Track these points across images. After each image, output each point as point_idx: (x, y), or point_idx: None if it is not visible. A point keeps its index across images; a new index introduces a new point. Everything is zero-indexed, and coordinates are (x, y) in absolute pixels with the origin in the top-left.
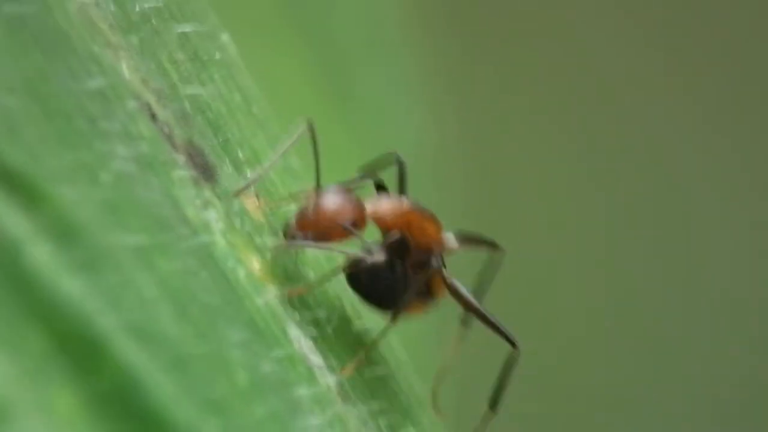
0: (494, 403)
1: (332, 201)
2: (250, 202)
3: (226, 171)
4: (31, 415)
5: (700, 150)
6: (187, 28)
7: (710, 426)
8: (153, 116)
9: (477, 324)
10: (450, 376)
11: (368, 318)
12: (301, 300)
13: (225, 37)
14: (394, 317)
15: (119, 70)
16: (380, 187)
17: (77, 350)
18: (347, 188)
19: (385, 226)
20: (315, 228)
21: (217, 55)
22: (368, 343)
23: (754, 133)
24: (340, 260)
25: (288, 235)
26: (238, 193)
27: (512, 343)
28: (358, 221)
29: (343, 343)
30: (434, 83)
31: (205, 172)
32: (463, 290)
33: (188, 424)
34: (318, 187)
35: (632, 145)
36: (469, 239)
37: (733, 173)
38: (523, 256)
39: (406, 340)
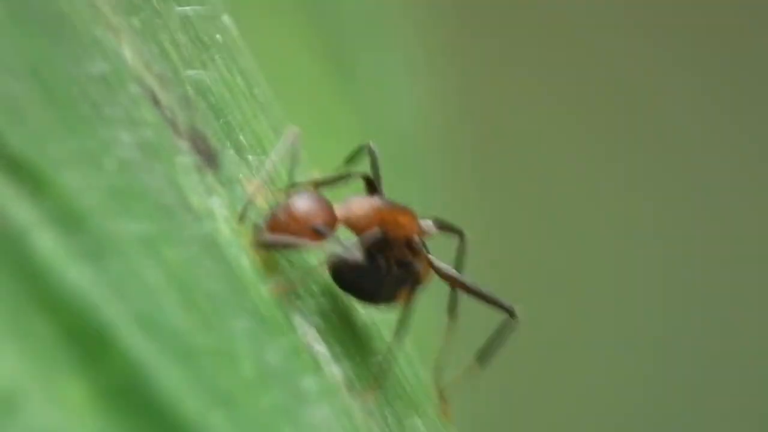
0: (482, 359)
1: (302, 205)
2: (253, 188)
3: (228, 156)
4: (40, 404)
5: (701, 117)
6: (187, 9)
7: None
8: (156, 101)
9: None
10: (452, 366)
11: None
12: (305, 288)
13: (226, 19)
14: (383, 305)
15: (121, 54)
16: (369, 182)
17: (85, 340)
18: (318, 193)
19: (358, 228)
20: (284, 231)
21: (219, 37)
22: (381, 356)
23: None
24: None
25: (258, 237)
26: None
27: (509, 312)
28: (329, 225)
29: (348, 331)
30: (437, 60)
31: (209, 158)
32: (452, 271)
33: (195, 416)
34: (289, 190)
35: (640, 118)
36: (444, 226)
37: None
38: (530, 229)
39: (415, 332)
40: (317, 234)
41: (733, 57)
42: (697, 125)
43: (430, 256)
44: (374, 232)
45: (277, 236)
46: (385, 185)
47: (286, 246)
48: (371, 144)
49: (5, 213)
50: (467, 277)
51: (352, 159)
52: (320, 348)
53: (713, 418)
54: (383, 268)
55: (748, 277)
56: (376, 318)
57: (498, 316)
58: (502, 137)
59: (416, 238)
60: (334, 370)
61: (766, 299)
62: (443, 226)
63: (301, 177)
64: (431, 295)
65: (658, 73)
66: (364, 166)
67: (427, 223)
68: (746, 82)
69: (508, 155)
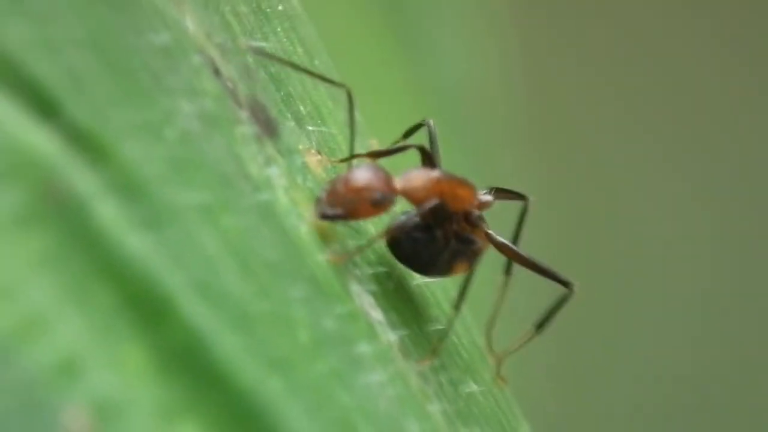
0: (540, 326)
1: (360, 176)
2: (312, 158)
3: (288, 126)
4: (101, 369)
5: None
6: None
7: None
8: (217, 71)
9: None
10: (508, 334)
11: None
12: (363, 256)
13: None
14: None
15: (183, 24)
16: (424, 153)
17: (145, 307)
18: (377, 164)
19: (417, 200)
20: (344, 203)
21: (280, 7)
22: (439, 328)
23: None
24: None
25: (318, 209)
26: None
27: (566, 284)
28: (388, 196)
29: (404, 299)
30: (496, 25)
31: (268, 127)
32: (509, 244)
33: (252, 382)
34: (351, 161)
35: (700, 96)
36: (502, 193)
37: None
38: (583, 198)
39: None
40: (376, 205)
41: None
42: (753, 114)
43: (488, 230)
44: (432, 201)
45: (337, 208)
46: (441, 148)
47: (345, 218)
48: (430, 120)
49: (68, 182)
50: (524, 251)
51: (410, 133)
52: (376, 315)
53: (761, 381)
54: (440, 240)
55: None
56: (432, 285)
57: (547, 285)
58: (559, 106)
59: (475, 211)
60: (390, 337)
61: None
62: (504, 193)
63: (360, 147)
64: (487, 259)
65: (720, 55)
66: (422, 141)
67: (486, 196)
68: None
69: (565, 124)
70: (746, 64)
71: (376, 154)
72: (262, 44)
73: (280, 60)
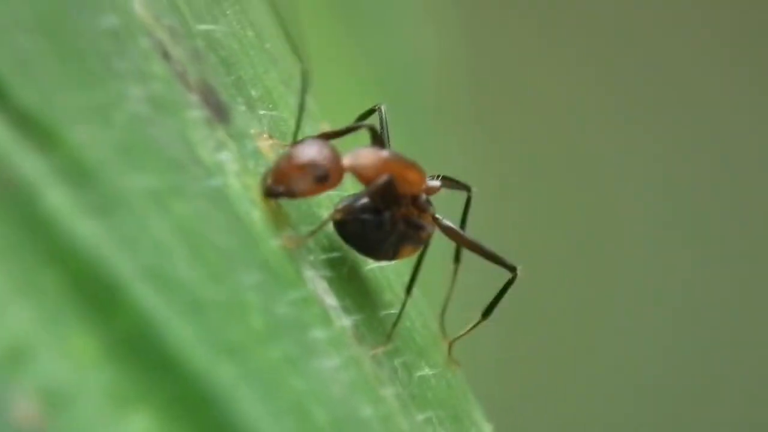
0: (487, 312)
1: (307, 153)
2: (264, 142)
3: (239, 110)
4: (51, 357)
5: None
6: None
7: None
8: (166, 54)
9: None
10: (458, 318)
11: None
12: (316, 241)
13: None
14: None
15: (131, 6)
16: (374, 134)
17: (94, 294)
18: (324, 141)
19: (365, 179)
20: (288, 180)
21: None
22: (393, 313)
23: None
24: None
25: (263, 187)
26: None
27: (511, 268)
28: (335, 173)
29: (358, 283)
30: (442, 8)
31: (219, 112)
32: (456, 228)
33: (205, 368)
34: (296, 141)
35: (647, 71)
36: (447, 181)
37: None
38: (525, 170)
39: (421, 280)
40: (321, 181)
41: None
42: (709, 80)
43: (435, 214)
44: (383, 178)
45: (281, 185)
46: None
47: (291, 195)
48: (382, 106)
49: (16, 168)
50: (471, 235)
51: (362, 119)
52: (330, 300)
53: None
54: (388, 223)
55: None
56: (386, 269)
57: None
58: (506, 91)
59: (423, 195)
60: (344, 322)
61: None
62: (450, 182)
63: (311, 131)
64: (439, 245)
65: (666, 25)
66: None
67: (434, 181)
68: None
69: (510, 104)
70: (698, 47)
71: (327, 136)
72: (212, 27)
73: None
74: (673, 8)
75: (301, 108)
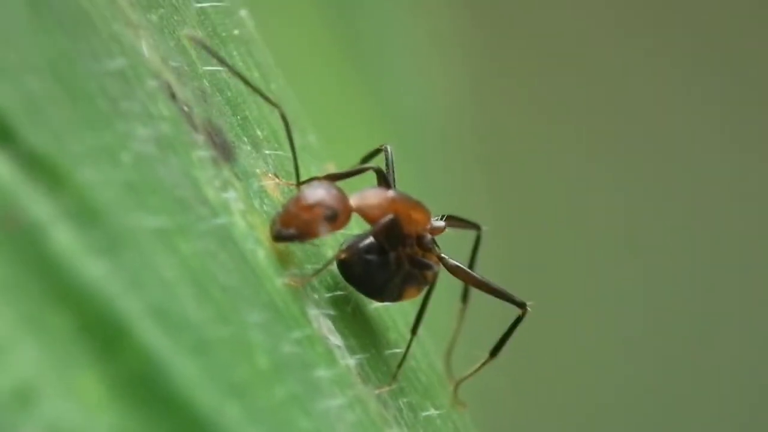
0: (495, 351)
1: (315, 195)
2: (269, 182)
3: (245, 150)
4: (57, 397)
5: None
6: (205, 4)
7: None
8: (173, 95)
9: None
10: (464, 356)
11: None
12: (320, 279)
13: (243, 13)
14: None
15: (139, 49)
16: (381, 175)
17: (101, 333)
18: (330, 182)
19: (371, 218)
20: (297, 222)
21: (236, 31)
22: (398, 352)
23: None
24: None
25: (273, 231)
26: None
27: (521, 305)
28: (343, 214)
29: (363, 322)
30: (449, 52)
31: (225, 151)
32: (462, 266)
33: (210, 408)
34: (300, 184)
35: (646, 123)
36: (455, 220)
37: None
38: (530, 215)
39: (427, 319)
40: (330, 221)
41: (732, 69)
42: (697, 128)
43: (441, 254)
44: (387, 217)
45: (291, 228)
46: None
47: (301, 238)
48: (387, 146)
49: (24, 209)
50: (478, 274)
51: (368, 158)
52: (335, 339)
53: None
54: (393, 263)
55: (750, 274)
56: (391, 309)
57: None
58: (509, 134)
59: (427, 235)
60: (349, 362)
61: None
62: (459, 222)
63: (317, 171)
64: (445, 283)
65: (662, 82)
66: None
67: (439, 222)
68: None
69: (515, 151)
70: (689, 84)
71: (333, 177)
72: (218, 68)
73: (221, 59)
74: (672, 76)
75: (293, 150)
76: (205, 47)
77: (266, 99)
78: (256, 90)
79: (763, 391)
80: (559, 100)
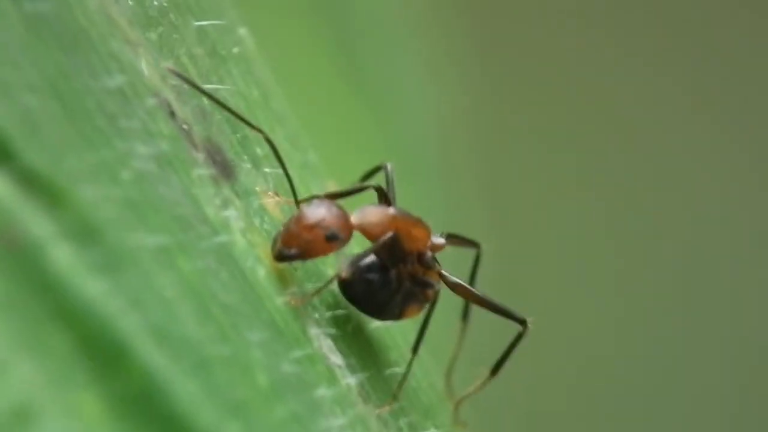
0: (496, 368)
1: (316, 214)
2: (269, 200)
3: (244, 168)
4: (57, 418)
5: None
6: (204, 22)
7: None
8: (172, 113)
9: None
10: (465, 373)
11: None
12: (321, 298)
13: (243, 31)
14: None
15: (138, 67)
16: (381, 193)
17: (101, 352)
18: (331, 200)
19: (372, 236)
20: (299, 242)
21: (235, 50)
22: (399, 371)
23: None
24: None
25: (274, 251)
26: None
27: (521, 322)
28: (344, 232)
29: (363, 341)
30: (451, 71)
31: (225, 169)
32: (463, 283)
33: (210, 427)
34: (300, 202)
35: (643, 153)
36: (455, 238)
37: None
38: (529, 234)
39: (427, 337)
40: (331, 240)
41: (728, 82)
42: (697, 148)
43: (442, 271)
44: (387, 235)
45: (293, 248)
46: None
47: (302, 257)
48: (388, 164)
49: (23, 227)
50: (479, 290)
51: (368, 176)
52: (336, 359)
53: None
54: (394, 282)
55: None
56: (391, 328)
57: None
58: (508, 152)
59: (428, 252)
60: (350, 381)
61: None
62: (459, 240)
63: (317, 189)
64: (445, 302)
65: (664, 108)
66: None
67: (439, 239)
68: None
69: (513, 170)
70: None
71: (334, 195)
72: (218, 86)
73: (197, 87)
74: (674, 102)
75: (284, 169)
76: (183, 78)
77: (248, 124)
78: (238, 116)
79: (763, 393)
80: (556, 121)
